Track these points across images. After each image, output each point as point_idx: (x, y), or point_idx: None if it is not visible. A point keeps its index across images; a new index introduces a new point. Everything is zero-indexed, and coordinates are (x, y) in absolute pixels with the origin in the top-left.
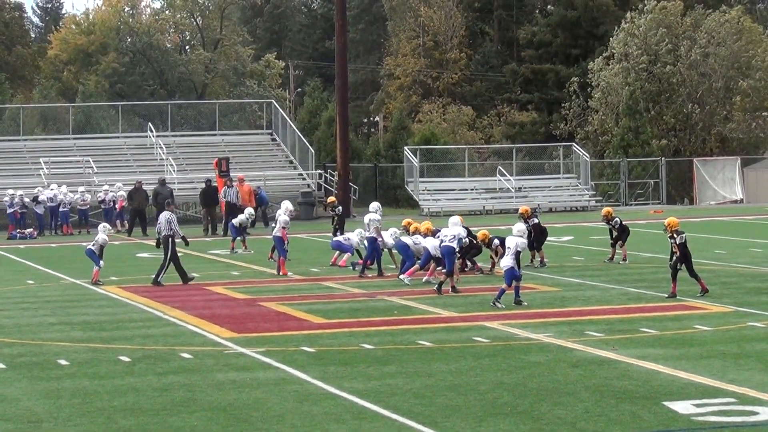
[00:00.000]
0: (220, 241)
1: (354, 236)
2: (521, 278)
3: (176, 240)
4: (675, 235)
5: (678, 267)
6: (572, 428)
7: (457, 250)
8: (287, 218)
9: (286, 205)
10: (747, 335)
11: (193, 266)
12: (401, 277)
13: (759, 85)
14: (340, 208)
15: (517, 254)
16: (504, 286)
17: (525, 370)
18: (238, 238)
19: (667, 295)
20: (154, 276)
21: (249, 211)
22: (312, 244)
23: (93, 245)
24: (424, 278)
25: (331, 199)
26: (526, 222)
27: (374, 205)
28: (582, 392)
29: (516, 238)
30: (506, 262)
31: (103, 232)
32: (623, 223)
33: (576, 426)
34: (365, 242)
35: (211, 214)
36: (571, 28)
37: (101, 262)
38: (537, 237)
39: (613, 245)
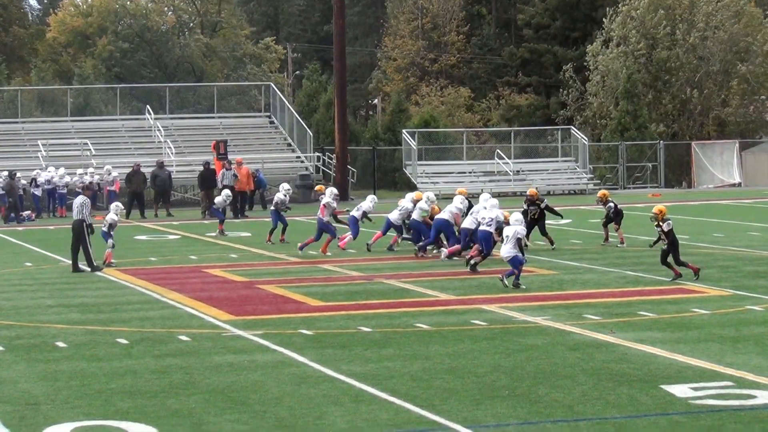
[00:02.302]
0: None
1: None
2: (524, 263)
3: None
4: (661, 223)
5: (668, 255)
6: (570, 411)
7: (494, 233)
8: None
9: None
10: (745, 319)
11: (191, 249)
12: (443, 256)
13: (758, 70)
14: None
15: (518, 241)
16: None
17: (523, 353)
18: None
19: (671, 279)
20: (88, 266)
21: (226, 192)
22: (310, 227)
23: (105, 226)
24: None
25: (319, 187)
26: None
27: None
28: (579, 375)
29: (515, 226)
30: (508, 250)
31: (113, 212)
32: (618, 206)
33: (573, 409)
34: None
35: (209, 197)
36: (569, 11)
37: (110, 241)
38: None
39: (605, 225)
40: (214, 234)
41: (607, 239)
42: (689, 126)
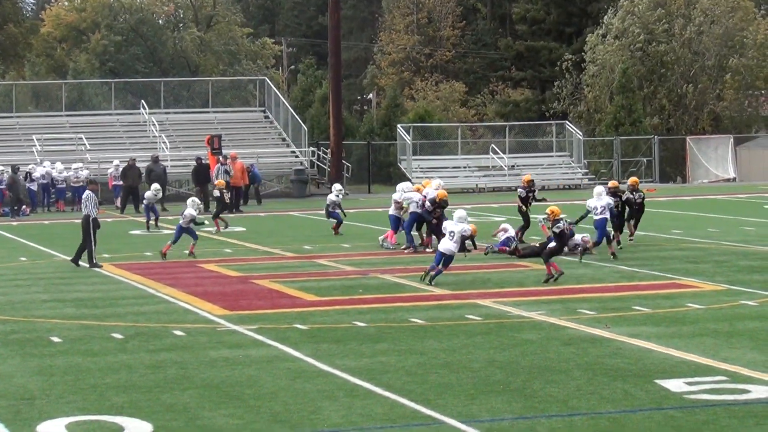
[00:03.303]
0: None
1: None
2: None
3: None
4: (550, 225)
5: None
6: (564, 406)
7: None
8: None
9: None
10: (739, 313)
11: (186, 243)
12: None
13: (751, 63)
14: (228, 193)
15: (462, 239)
16: (440, 267)
17: (517, 347)
18: (151, 216)
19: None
20: (88, 261)
21: (155, 186)
22: (305, 222)
23: (183, 222)
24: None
25: (220, 182)
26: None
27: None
28: (574, 370)
29: (460, 224)
30: (448, 246)
31: (191, 206)
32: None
33: (568, 404)
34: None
35: (203, 192)
36: (564, 5)
37: (174, 239)
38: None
39: (628, 220)
40: (213, 230)
41: (632, 235)
42: (684, 121)
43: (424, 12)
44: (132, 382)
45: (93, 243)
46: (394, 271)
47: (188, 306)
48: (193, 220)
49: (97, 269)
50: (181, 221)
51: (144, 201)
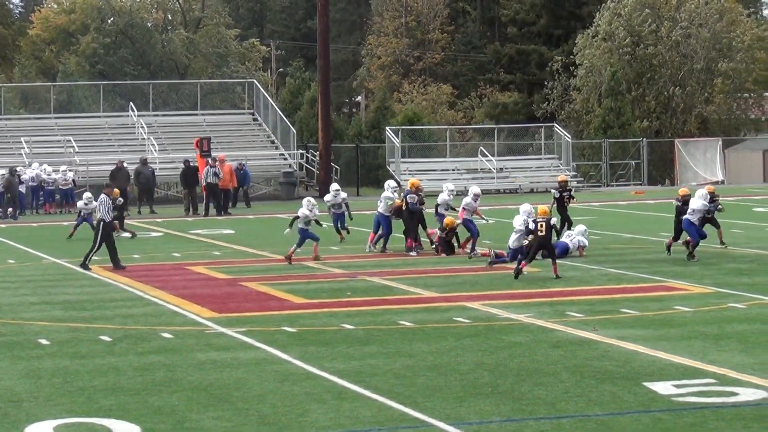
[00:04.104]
0: (202, 221)
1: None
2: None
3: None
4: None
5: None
6: (552, 408)
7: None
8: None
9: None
10: (727, 316)
11: (174, 246)
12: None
13: (740, 67)
14: (122, 200)
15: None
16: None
17: (506, 350)
18: (84, 222)
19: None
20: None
21: (87, 195)
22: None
23: (300, 222)
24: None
25: (116, 191)
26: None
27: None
28: (562, 373)
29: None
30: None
31: (306, 207)
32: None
33: (556, 406)
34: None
35: (192, 195)
36: (553, 8)
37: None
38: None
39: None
40: (201, 232)
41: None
42: (672, 123)
43: (413, 15)
44: (120, 385)
45: (98, 246)
46: (382, 274)
47: (176, 308)
48: (312, 221)
49: (86, 271)
50: (300, 224)
51: (79, 209)
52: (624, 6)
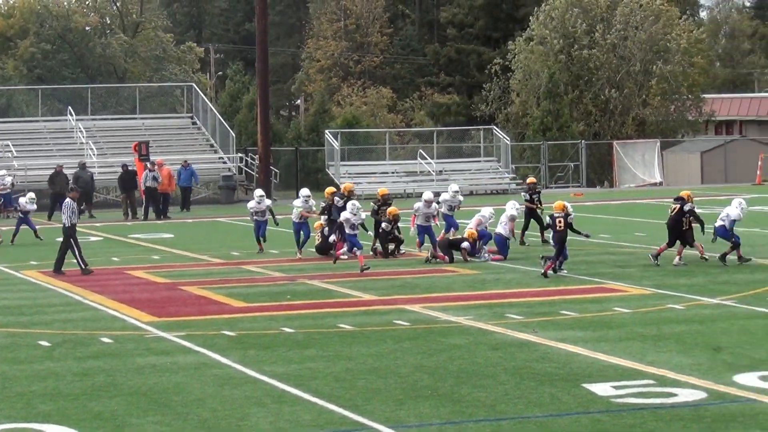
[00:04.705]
0: (140, 225)
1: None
2: None
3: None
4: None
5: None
6: (492, 411)
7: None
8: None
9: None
10: (666, 317)
11: (113, 250)
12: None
13: (676, 70)
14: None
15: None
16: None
17: (445, 353)
18: (22, 226)
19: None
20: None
21: (30, 195)
22: (232, 228)
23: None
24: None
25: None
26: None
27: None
28: (502, 375)
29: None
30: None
31: (350, 211)
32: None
33: (496, 408)
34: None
35: (130, 199)
36: (491, 10)
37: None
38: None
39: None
40: (140, 236)
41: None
42: (610, 126)
43: (352, 18)
44: (59, 390)
45: (66, 251)
46: (322, 277)
47: (116, 313)
48: (357, 225)
49: (58, 275)
50: (347, 230)
51: (18, 210)
52: (554, 8)
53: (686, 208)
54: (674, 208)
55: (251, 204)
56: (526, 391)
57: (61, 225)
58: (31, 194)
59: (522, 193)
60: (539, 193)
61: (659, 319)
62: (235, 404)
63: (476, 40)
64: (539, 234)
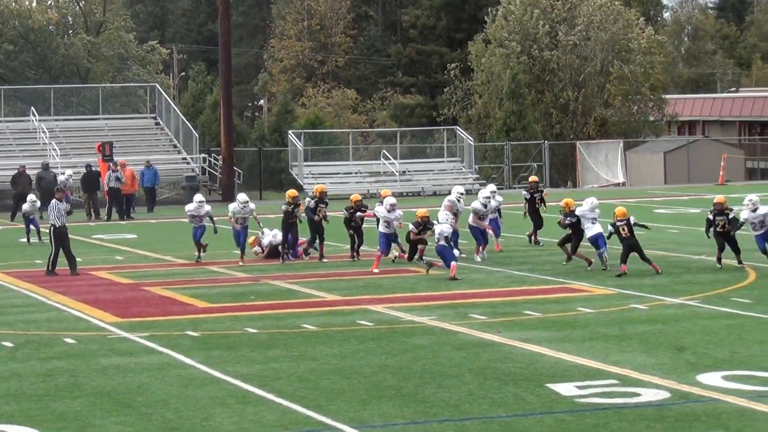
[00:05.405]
0: (103, 225)
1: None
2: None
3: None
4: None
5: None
6: (456, 411)
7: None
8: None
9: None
10: (629, 317)
11: (76, 251)
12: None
13: (637, 70)
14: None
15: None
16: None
17: (409, 353)
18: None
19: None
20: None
21: (31, 197)
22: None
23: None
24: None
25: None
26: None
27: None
28: (466, 375)
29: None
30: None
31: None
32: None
33: (460, 408)
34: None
35: (92, 199)
36: (453, 11)
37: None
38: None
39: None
40: (103, 237)
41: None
42: (572, 126)
43: (316, 18)
44: (22, 391)
45: (58, 251)
46: (285, 278)
47: (79, 314)
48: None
49: (51, 276)
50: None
51: (23, 213)
52: (509, 12)
53: (730, 216)
54: (721, 222)
55: (190, 207)
56: (490, 391)
57: (49, 226)
58: (32, 196)
59: (523, 192)
60: (542, 192)
61: (623, 319)
62: (199, 404)
63: (439, 39)
64: (532, 234)
